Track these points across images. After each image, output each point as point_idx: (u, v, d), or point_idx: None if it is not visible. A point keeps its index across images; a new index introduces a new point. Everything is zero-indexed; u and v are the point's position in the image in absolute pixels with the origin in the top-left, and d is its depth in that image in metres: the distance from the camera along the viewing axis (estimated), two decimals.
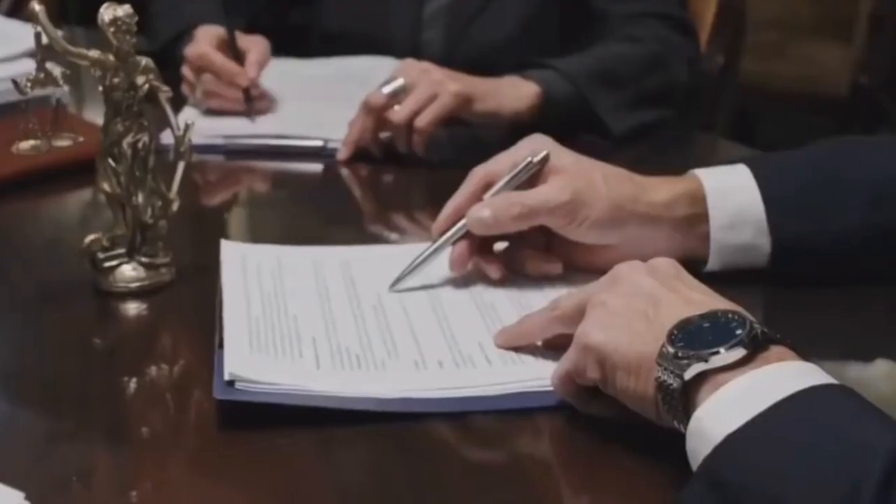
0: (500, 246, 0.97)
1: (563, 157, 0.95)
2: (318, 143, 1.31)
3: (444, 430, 0.77)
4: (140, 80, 0.91)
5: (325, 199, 1.25)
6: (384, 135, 1.28)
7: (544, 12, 1.56)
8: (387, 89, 1.27)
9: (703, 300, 0.71)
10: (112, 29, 0.88)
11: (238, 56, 1.39)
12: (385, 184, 1.29)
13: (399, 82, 1.27)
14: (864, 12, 3.04)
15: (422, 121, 1.25)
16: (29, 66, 0.93)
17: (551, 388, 0.77)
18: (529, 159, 0.94)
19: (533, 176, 0.95)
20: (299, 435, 0.74)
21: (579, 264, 0.96)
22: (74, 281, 0.96)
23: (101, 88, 0.91)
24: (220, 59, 1.38)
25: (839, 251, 0.93)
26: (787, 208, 0.94)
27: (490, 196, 0.95)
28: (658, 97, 1.40)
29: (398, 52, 1.51)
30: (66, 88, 0.93)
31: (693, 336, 0.67)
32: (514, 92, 1.31)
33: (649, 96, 1.39)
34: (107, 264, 0.95)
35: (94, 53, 0.90)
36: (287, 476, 0.71)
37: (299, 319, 0.88)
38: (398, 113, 1.26)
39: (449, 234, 0.95)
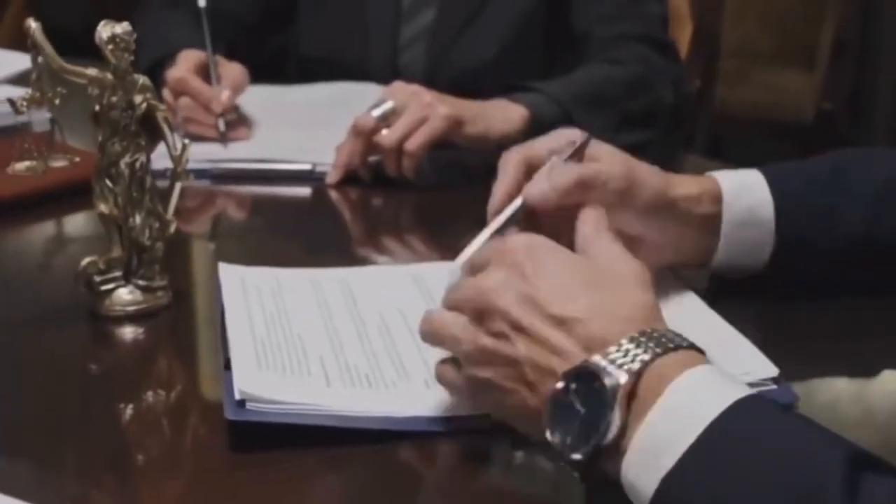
0: None
1: (601, 146, 0.92)
2: (307, 166, 1.30)
3: (458, 451, 0.75)
4: (138, 98, 0.90)
5: (314, 223, 1.23)
6: (373, 158, 1.27)
7: (526, 34, 1.56)
8: (376, 112, 1.26)
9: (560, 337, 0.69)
10: (110, 46, 0.87)
11: (218, 81, 1.38)
12: (375, 207, 1.28)
13: (388, 105, 1.26)
14: (826, 40, 3.08)
15: (412, 144, 1.24)
16: (6, 92, 0.92)
17: None
18: (574, 141, 0.90)
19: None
20: (305, 456, 0.73)
21: None
22: (70, 305, 0.94)
23: (97, 108, 0.90)
24: (197, 84, 1.37)
25: (837, 256, 0.95)
26: (795, 209, 0.95)
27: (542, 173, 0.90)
28: (643, 119, 1.41)
29: (378, 76, 1.50)
30: (47, 114, 0.92)
31: (568, 419, 0.66)
32: (503, 115, 1.31)
33: (635, 118, 1.40)
34: (103, 288, 0.93)
35: (91, 71, 0.89)
36: (294, 499, 0.70)
37: (304, 338, 0.86)
38: (388, 136, 1.25)
39: (506, 212, 0.87)
